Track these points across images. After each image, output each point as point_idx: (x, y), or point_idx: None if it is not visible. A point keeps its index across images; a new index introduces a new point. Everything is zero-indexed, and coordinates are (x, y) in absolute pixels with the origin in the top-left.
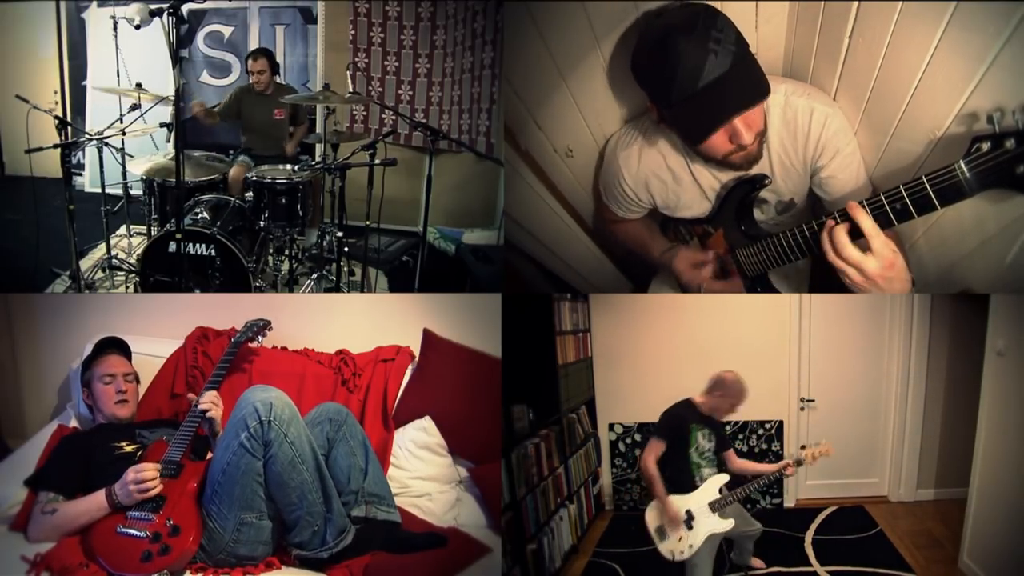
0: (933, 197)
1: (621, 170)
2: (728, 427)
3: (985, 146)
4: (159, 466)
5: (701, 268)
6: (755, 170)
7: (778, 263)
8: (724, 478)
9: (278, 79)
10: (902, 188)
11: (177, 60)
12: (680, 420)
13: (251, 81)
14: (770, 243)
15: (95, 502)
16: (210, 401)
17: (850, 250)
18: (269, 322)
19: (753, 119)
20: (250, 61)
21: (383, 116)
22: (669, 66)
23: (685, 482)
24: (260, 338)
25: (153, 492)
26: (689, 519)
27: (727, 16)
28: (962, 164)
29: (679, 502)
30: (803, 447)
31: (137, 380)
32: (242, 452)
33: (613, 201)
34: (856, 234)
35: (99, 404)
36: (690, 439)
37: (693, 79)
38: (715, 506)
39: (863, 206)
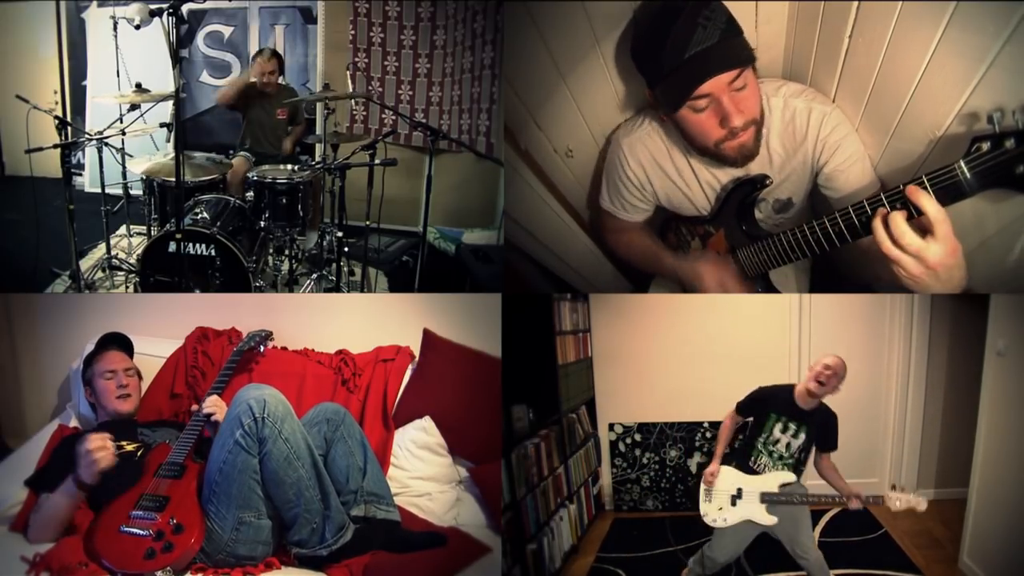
0: (933, 197)
1: (626, 156)
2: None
3: (985, 146)
4: (108, 435)
5: (726, 283)
6: (754, 169)
7: (779, 263)
8: (790, 477)
9: (282, 80)
10: (903, 188)
11: (177, 60)
12: (762, 403)
13: (261, 80)
14: (771, 243)
15: (64, 487)
16: (214, 404)
17: (911, 237)
18: (271, 333)
19: (745, 104)
20: (261, 60)
21: (383, 116)
22: (659, 40)
23: (743, 461)
24: (262, 348)
25: (103, 462)
26: (737, 496)
27: (722, 3)
28: (962, 164)
29: (735, 477)
30: (893, 487)
31: (139, 375)
32: (238, 450)
33: (615, 194)
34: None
35: (101, 400)
36: (764, 426)
37: (680, 50)
38: (766, 498)
39: (925, 189)
